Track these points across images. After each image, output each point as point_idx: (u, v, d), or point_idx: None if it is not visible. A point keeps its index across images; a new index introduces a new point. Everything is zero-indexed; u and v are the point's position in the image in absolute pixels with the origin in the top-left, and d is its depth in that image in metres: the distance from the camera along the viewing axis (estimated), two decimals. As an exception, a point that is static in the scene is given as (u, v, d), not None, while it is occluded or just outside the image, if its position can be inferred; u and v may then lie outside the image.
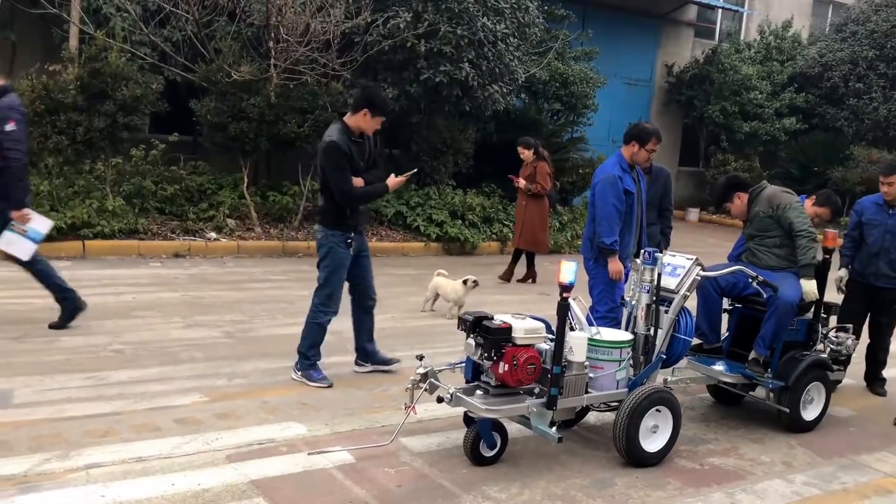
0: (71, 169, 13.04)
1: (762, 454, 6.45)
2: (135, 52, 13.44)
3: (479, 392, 5.67)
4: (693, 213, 24.15)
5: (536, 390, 5.68)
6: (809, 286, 6.92)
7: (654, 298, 6.21)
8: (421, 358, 5.84)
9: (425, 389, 5.71)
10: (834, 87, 24.28)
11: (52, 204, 12.04)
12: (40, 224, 8.28)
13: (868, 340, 8.51)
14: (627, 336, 6.16)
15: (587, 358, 5.76)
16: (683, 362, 6.93)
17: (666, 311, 6.27)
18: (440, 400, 5.67)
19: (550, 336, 5.70)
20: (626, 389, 5.97)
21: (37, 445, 5.46)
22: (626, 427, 5.72)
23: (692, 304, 6.60)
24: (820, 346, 7.33)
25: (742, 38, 26.90)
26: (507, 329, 5.55)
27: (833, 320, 7.75)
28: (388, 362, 7.65)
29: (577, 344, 5.66)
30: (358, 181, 7.05)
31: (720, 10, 26.43)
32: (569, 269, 5.43)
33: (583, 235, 7.89)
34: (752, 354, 6.97)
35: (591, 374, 5.84)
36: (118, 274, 10.99)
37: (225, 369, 7.40)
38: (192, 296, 10.11)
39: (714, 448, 6.50)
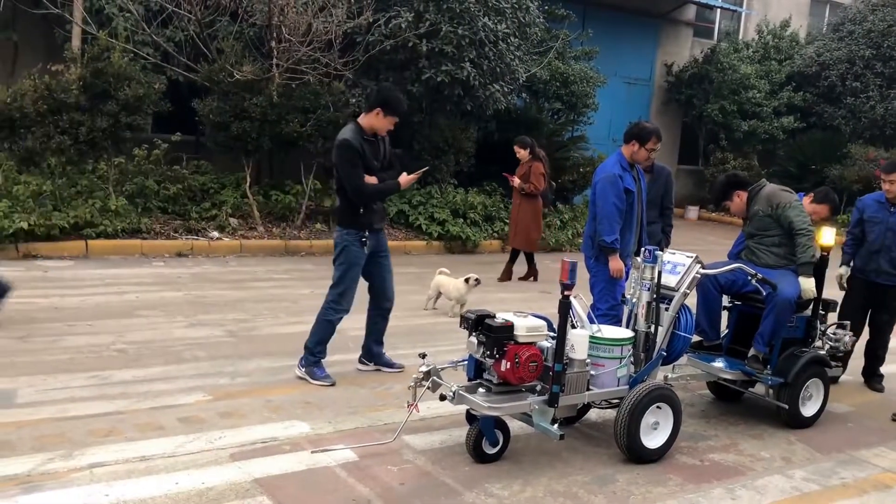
0: (74, 169, 13.09)
1: (762, 450, 6.48)
2: (137, 52, 13.48)
3: (481, 390, 5.72)
4: (692, 211, 24.22)
5: (538, 388, 5.71)
6: (808, 284, 6.96)
7: (655, 296, 6.24)
8: (423, 356, 5.86)
9: (428, 387, 5.73)
10: (831, 85, 24.38)
11: (55, 204, 12.11)
12: None
13: (868, 337, 8.56)
14: (628, 333, 6.17)
15: (588, 355, 5.79)
16: (683, 359, 6.96)
17: (666, 309, 6.30)
18: (443, 398, 5.68)
19: (552, 334, 5.74)
20: (627, 386, 5.99)
21: (40, 445, 5.47)
22: (627, 424, 5.76)
23: (692, 301, 6.63)
24: (818, 343, 7.38)
25: (740, 37, 27.01)
26: (510, 327, 5.57)
27: (832, 317, 7.79)
28: (392, 366, 7.66)
29: (578, 341, 5.69)
30: (371, 179, 7.08)
31: (719, 10, 26.53)
32: (569, 267, 5.47)
33: (584, 234, 7.91)
34: (752, 351, 7.00)
35: (592, 372, 5.86)
36: (121, 273, 11.01)
37: (228, 368, 7.42)
38: (194, 295, 10.13)
39: (714, 444, 6.53)
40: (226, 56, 13.61)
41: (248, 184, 14.29)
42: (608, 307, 7.34)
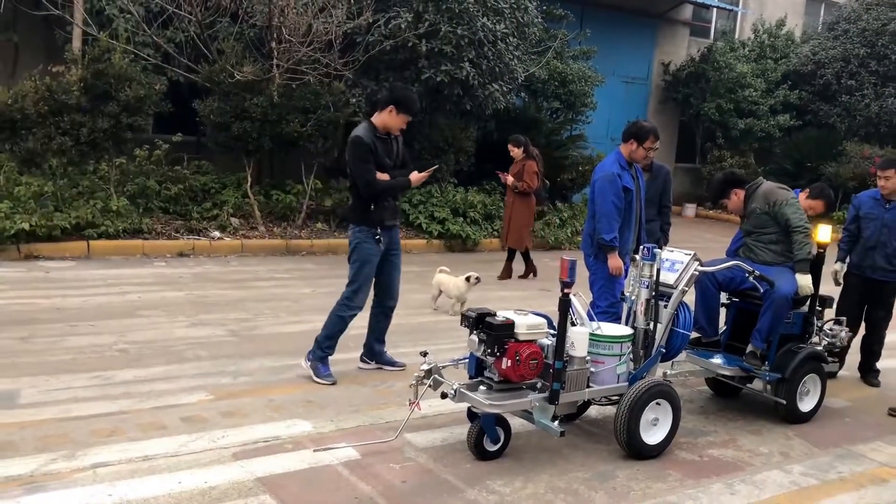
0: (75, 169, 13.12)
1: (760, 445, 6.52)
2: (138, 54, 13.52)
3: (482, 387, 5.75)
4: (690, 209, 24.27)
5: (539, 385, 5.75)
6: (805, 280, 7.01)
7: (654, 293, 6.28)
8: (425, 354, 5.89)
9: (429, 385, 5.75)
10: (826, 84, 24.51)
11: (57, 204, 12.14)
12: None
13: (864, 332, 8.63)
14: (627, 331, 6.20)
15: (588, 353, 5.83)
16: (682, 356, 7.00)
17: (665, 306, 6.34)
18: (444, 396, 5.71)
19: (552, 331, 5.77)
20: (627, 383, 6.04)
21: (43, 445, 5.49)
22: (626, 420, 5.80)
23: (690, 298, 6.66)
24: (815, 339, 7.43)
25: (737, 36, 27.20)
26: (510, 325, 5.61)
27: (829, 313, 7.85)
28: (393, 364, 7.70)
29: (578, 339, 5.73)
30: (383, 176, 7.14)
31: (715, 10, 26.64)
32: (568, 265, 5.52)
33: (583, 232, 7.95)
34: (750, 347, 7.05)
35: (592, 369, 5.90)
36: (123, 273, 11.05)
37: (230, 367, 7.45)
38: (196, 295, 10.16)
39: (713, 440, 6.57)
40: (226, 57, 13.64)
41: (248, 184, 14.34)
42: (607, 305, 7.38)
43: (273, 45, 13.59)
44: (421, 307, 10.20)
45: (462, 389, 5.64)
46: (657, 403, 5.97)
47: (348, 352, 7.82)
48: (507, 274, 12.80)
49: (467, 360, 5.94)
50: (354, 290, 7.32)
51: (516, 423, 6.07)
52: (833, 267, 8.41)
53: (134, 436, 5.76)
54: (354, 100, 14.33)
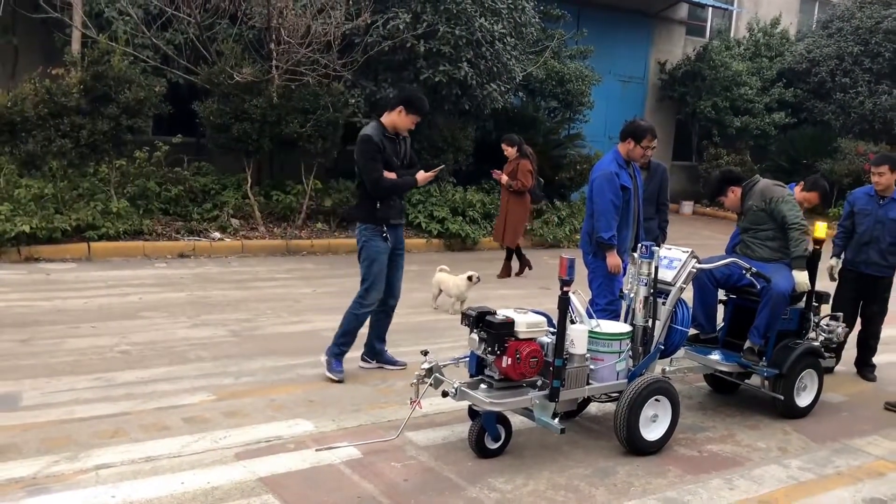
0: (75, 172, 13.14)
1: (758, 440, 6.57)
2: (137, 56, 13.55)
3: (483, 386, 5.77)
4: (687, 206, 24.34)
5: (539, 383, 5.80)
6: (801, 277, 7.05)
7: (652, 291, 6.31)
8: (425, 353, 5.92)
9: (430, 384, 5.78)
10: (821, 81, 24.66)
11: (57, 206, 12.17)
12: None
13: (859, 327, 8.68)
14: (626, 328, 6.24)
15: (588, 350, 5.86)
16: (681, 352, 7.03)
17: (663, 303, 6.37)
18: (445, 394, 5.74)
19: (552, 329, 5.80)
20: (626, 380, 6.07)
21: (45, 447, 5.50)
22: (626, 417, 5.84)
23: (688, 295, 6.69)
24: (812, 335, 7.47)
25: (732, 35, 27.35)
26: (510, 323, 5.65)
27: (825, 309, 7.89)
28: (394, 363, 7.74)
29: (577, 337, 5.77)
30: (390, 175, 7.20)
31: (710, 9, 26.72)
32: (568, 264, 5.56)
33: (581, 230, 7.99)
34: (747, 344, 7.09)
35: (591, 366, 5.94)
36: (123, 275, 11.07)
37: (232, 368, 7.48)
38: (197, 295, 10.19)
39: (712, 435, 6.61)
40: (226, 58, 13.68)
41: (248, 184, 14.38)
42: (606, 302, 7.41)
43: (272, 46, 13.62)
44: (421, 306, 10.23)
45: (463, 388, 5.68)
46: (656, 400, 6.00)
47: (351, 350, 7.83)
48: (506, 272, 12.84)
49: (468, 359, 5.97)
50: (367, 287, 7.39)
51: (517, 420, 6.10)
52: (828, 263, 8.46)
53: (136, 437, 5.78)
54: (353, 100, 14.36)
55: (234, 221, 13.97)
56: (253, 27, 14.00)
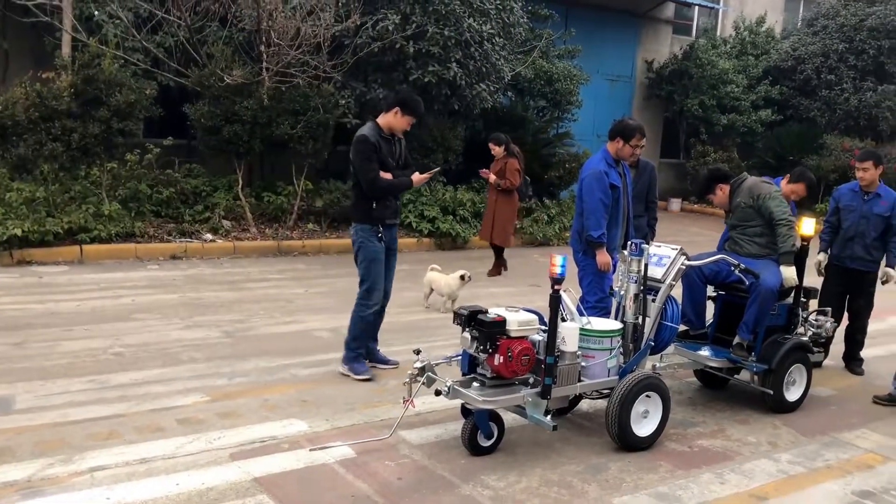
0: (67, 175, 13.13)
1: (748, 435, 6.63)
2: (128, 59, 13.55)
3: (475, 384, 5.80)
4: (675, 204, 24.46)
5: (531, 380, 5.84)
6: (789, 272, 7.12)
7: (642, 288, 6.36)
8: (418, 352, 5.94)
9: (423, 383, 5.81)
10: (807, 79, 24.80)
11: (49, 210, 12.17)
12: None
13: (847, 322, 8.75)
14: (617, 325, 6.29)
15: (579, 347, 5.90)
16: (671, 348, 7.09)
17: (653, 300, 6.42)
18: (438, 393, 5.78)
19: (543, 327, 5.84)
20: (617, 377, 6.12)
21: (40, 450, 5.52)
22: (618, 413, 5.89)
23: (677, 292, 6.75)
24: (801, 330, 7.55)
25: (718, 33, 27.52)
26: (502, 322, 5.67)
27: (813, 304, 7.96)
28: (386, 362, 7.76)
29: (569, 334, 5.80)
30: (386, 175, 7.25)
31: (697, 7, 26.83)
32: (559, 262, 5.59)
33: (571, 229, 8.03)
34: (737, 339, 7.17)
35: (583, 363, 5.98)
36: (116, 277, 11.08)
37: (225, 369, 7.50)
38: (190, 297, 10.20)
39: (702, 430, 6.67)
40: (216, 61, 13.68)
41: (240, 186, 14.40)
42: (597, 300, 7.46)
43: (262, 48, 13.63)
44: (413, 305, 10.26)
45: (455, 386, 5.71)
46: (647, 396, 6.06)
47: (342, 350, 7.87)
48: (496, 271, 12.88)
49: (460, 358, 6.01)
50: (367, 288, 7.44)
51: (509, 417, 6.14)
52: (815, 258, 8.52)
53: (131, 438, 5.80)
54: (343, 101, 14.38)
55: (226, 223, 13.99)
56: (243, 30, 14.00)
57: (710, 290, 7.66)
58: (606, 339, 6.11)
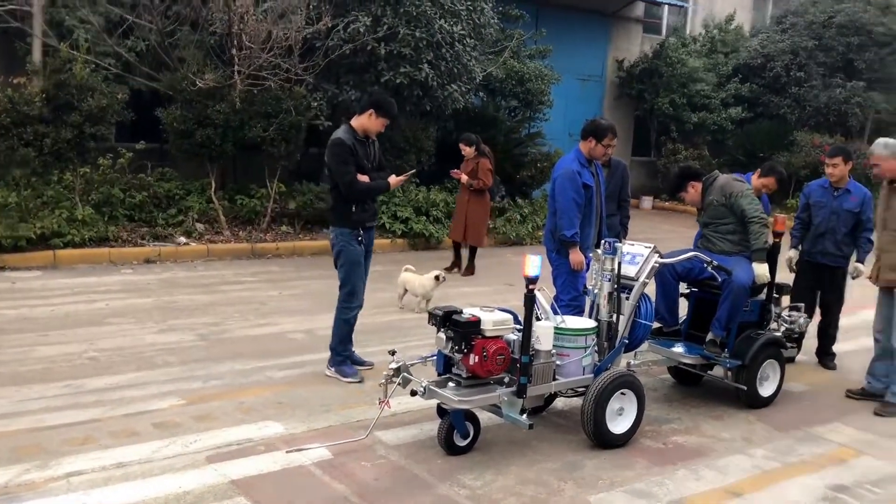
0: (39, 180, 13.06)
1: (722, 431, 6.68)
2: (99, 63, 13.49)
3: (451, 384, 5.81)
4: (647, 201, 24.60)
5: (506, 380, 5.85)
6: (762, 269, 7.18)
7: (616, 286, 6.41)
8: (393, 353, 5.96)
9: (398, 384, 5.82)
10: (776, 76, 25.01)
11: (22, 215, 12.08)
12: None
13: (819, 317, 8.83)
14: (591, 323, 6.32)
15: (554, 346, 5.93)
16: (645, 346, 7.13)
17: (627, 298, 6.46)
18: (413, 393, 5.80)
19: (518, 327, 5.86)
20: (592, 375, 6.15)
21: (16, 456, 5.48)
22: (593, 411, 5.91)
23: (651, 289, 6.80)
24: (774, 325, 7.61)
25: (688, 32, 27.64)
26: (476, 322, 5.69)
27: (786, 300, 8.03)
28: (362, 363, 7.74)
29: (543, 333, 5.83)
30: (363, 178, 7.25)
31: (666, 6, 26.95)
32: (533, 262, 5.63)
33: (545, 228, 8.08)
34: (710, 336, 7.22)
35: (558, 362, 6.00)
36: (90, 282, 11.03)
37: (200, 372, 7.49)
38: (164, 300, 10.17)
39: (677, 427, 6.72)
40: (188, 65, 13.64)
41: (213, 189, 14.36)
42: (570, 298, 7.49)
43: (234, 52, 13.60)
44: (387, 306, 10.26)
45: (431, 386, 5.72)
46: (622, 393, 6.09)
47: (317, 352, 7.89)
48: (470, 271, 12.91)
49: (435, 358, 6.02)
50: (349, 291, 7.45)
51: (484, 416, 6.16)
52: (786, 254, 8.58)
53: (107, 443, 5.78)
54: (315, 103, 14.37)
55: (199, 226, 13.96)
56: (214, 33, 13.95)
57: (683, 287, 7.71)
58: (581, 338, 6.13)
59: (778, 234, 7.53)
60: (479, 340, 5.66)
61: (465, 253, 13.15)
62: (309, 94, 14.40)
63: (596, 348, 6.29)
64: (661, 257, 6.70)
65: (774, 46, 25.06)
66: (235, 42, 13.56)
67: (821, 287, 8.72)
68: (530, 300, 5.64)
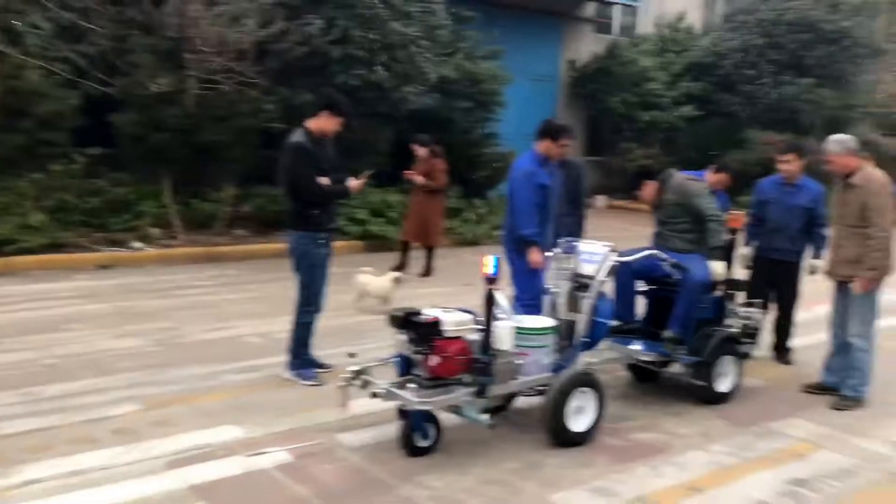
0: (-9, 186, 12.94)
1: (681, 427, 6.73)
2: (51, 69, 13.35)
3: (411, 385, 5.80)
4: (601, 200, 24.63)
5: (467, 380, 5.84)
6: (718, 267, 7.27)
7: (574, 285, 6.45)
8: (353, 355, 5.97)
9: (358, 386, 5.82)
10: (727, 74, 25.19)
11: (-27, 223, 11.96)
12: None
13: (774, 313, 8.91)
14: (551, 322, 6.36)
15: (514, 345, 5.96)
16: (603, 344, 7.15)
17: (585, 297, 6.51)
18: (374, 395, 5.79)
19: (478, 327, 5.88)
20: (552, 373, 6.19)
21: (-27, 467, 5.44)
22: (554, 409, 5.95)
23: (609, 287, 6.86)
24: (730, 322, 7.67)
25: (639, 31, 27.70)
26: (437, 323, 5.71)
27: (741, 296, 8.11)
28: (320, 366, 7.71)
29: (504, 333, 5.86)
30: (324, 180, 7.23)
31: (618, 6, 27.14)
32: (492, 261, 5.65)
33: (503, 228, 8.13)
34: (668, 333, 7.27)
35: (518, 361, 6.02)
36: (45, 288, 10.92)
37: (158, 377, 7.43)
38: (120, 306, 10.09)
39: (636, 424, 6.75)
40: (141, 69, 13.53)
41: (167, 193, 14.25)
42: (529, 297, 7.51)
43: (187, 56, 13.53)
44: (345, 308, 10.19)
45: (392, 388, 5.73)
46: (582, 391, 6.12)
47: (276, 355, 7.84)
48: (427, 271, 12.92)
49: (395, 359, 6.03)
50: (309, 294, 7.45)
51: (446, 417, 6.15)
52: (741, 251, 8.66)
53: (65, 450, 5.72)
54: (270, 107, 14.34)
55: (154, 231, 13.85)
56: (167, 37, 13.84)
57: (641, 285, 7.77)
58: (541, 337, 6.18)
59: (734, 231, 7.62)
60: (439, 341, 5.68)
61: (416, 254, 13.16)
62: (263, 98, 14.34)
63: (555, 347, 6.32)
64: (619, 256, 6.74)
65: (725, 45, 25.24)
66: (188, 46, 13.48)
67: (776, 283, 8.79)
68: (490, 299, 5.66)
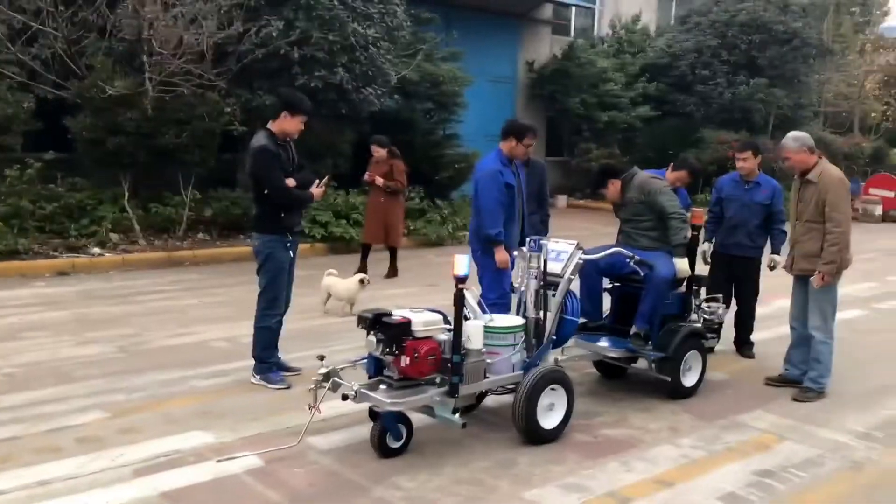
0: (-57, 193, 12.77)
1: (650, 422, 6.77)
2: (3, 72, 13.21)
3: (382, 386, 5.81)
4: (562, 200, 24.83)
5: (438, 380, 5.85)
6: (682, 263, 7.34)
7: (542, 283, 6.47)
8: (322, 358, 5.92)
9: (328, 388, 5.79)
10: (682, 75, 25.67)
11: (-74, 231, 11.80)
12: None
13: (735, 307, 9.01)
14: (520, 321, 6.37)
15: (484, 344, 5.97)
16: (571, 341, 7.20)
17: (553, 295, 6.53)
18: (345, 397, 5.75)
19: (448, 327, 5.88)
20: (522, 371, 6.19)
21: (-65, 478, 5.35)
22: (524, 407, 5.95)
23: (575, 285, 6.88)
24: (694, 317, 7.78)
25: (595, 33, 28.08)
26: (407, 323, 5.71)
27: (704, 292, 8.19)
28: (289, 369, 7.67)
29: (473, 332, 5.87)
30: (290, 181, 7.20)
31: (574, 8, 27.33)
32: (462, 261, 5.66)
33: (469, 229, 8.14)
34: (634, 329, 7.31)
35: (488, 360, 6.03)
36: (1, 296, 10.75)
37: (122, 384, 7.35)
38: (80, 313, 9.98)
39: (605, 420, 6.78)
40: (97, 72, 13.42)
41: (126, 198, 14.14)
42: (497, 296, 7.52)
43: (144, 58, 13.43)
44: (311, 311, 10.17)
45: (363, 390, 5.70)
46: (552, 389, 6.13)
47: (243, 359, 7.78)
48: (393, 272, 12.90)
49: (365, 361, 6.02)
50: (271, 298, 7.39)
51: (417, 418, 6.16)
52: (701, 247, 8.71)
53: (29, 461, 5.64)
54: (229, 109, 14.28)
55: (114, 236, 13.73)
56: (123, 39, 13.75)
57: (607, 283, 7.81)
58: (510, 335, 6.18)
59: (696, 228, 7.69)
60: (409, 342, 5.68)
61: (379, 256, 13.14)
62: (222, 100, 14.29)
63: (525, 345, 6.33)
64: (585, 254, 6.77)
65: (680, 46, 25.70)
66: (146, 48, 13.40)
67: (736, 278, 8.90)
68: (460, 299, 5.66)
